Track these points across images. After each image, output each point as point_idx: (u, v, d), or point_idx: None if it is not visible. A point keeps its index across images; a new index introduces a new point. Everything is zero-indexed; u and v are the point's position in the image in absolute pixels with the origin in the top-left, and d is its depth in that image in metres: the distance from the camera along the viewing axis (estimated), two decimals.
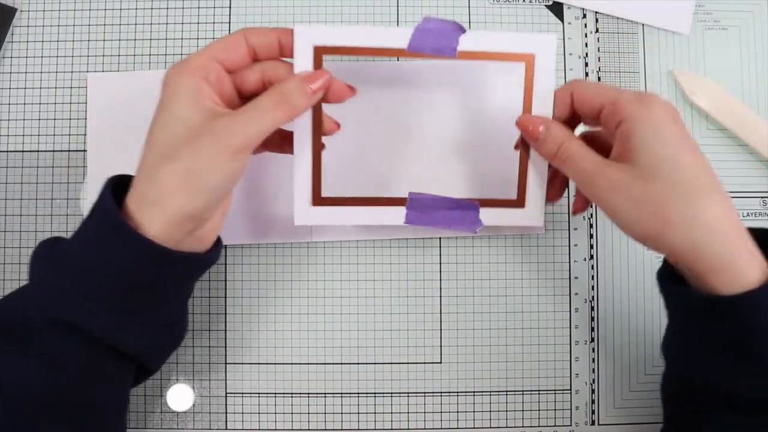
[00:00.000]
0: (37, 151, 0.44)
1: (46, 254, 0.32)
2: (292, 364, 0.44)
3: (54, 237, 0.34)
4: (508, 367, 0.44)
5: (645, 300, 0.45)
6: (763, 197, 0.46)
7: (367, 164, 0.42)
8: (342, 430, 0.44)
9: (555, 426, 0.44)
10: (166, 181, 0.31)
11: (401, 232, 0.44)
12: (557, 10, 0.46)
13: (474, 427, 0.44)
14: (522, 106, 0.38)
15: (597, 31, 0.46)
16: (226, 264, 0.44)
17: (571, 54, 0.46)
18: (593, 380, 0.44)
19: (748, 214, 0.45)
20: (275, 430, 0.43)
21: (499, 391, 0.44)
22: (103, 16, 0.45)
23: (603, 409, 0.44)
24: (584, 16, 0.46)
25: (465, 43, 0.37)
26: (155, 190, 0.31)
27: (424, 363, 0.44)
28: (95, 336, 0.31)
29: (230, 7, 0.45)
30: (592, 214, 0.45)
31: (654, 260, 0.45)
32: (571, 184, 0.44)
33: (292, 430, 0.43)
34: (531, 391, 0.44)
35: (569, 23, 0.46)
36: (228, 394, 0.44)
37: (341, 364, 0.44)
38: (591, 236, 0.45)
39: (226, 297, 0.44)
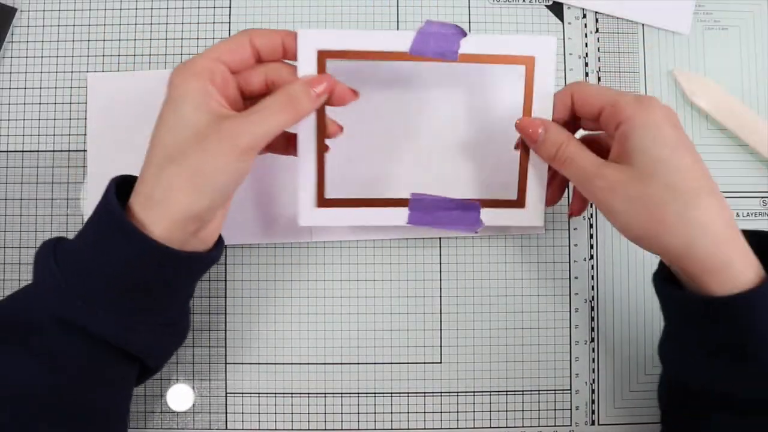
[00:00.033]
0: (37, 151, 0.44)
1: (48, 254, 0.32)
2: (292, 364, 0.44)
3: (57, 237, 0.34)
4: (508, 367, 0.44)
5: (645, 300, 0.45)
6: (763, 197, 0.46)
7: (370, 165, 0.42)
8: (342, 430, 0.44)
9: (555, 426, 0.44)
10: (171, 181, 0.31)
11: (401, 232, 0.44)
12: (557, 10, 0.46)
13: (474, 427, 0.44)
14: (522, 107, 0.38)
15: (597, 31, 0.46)
16: (226, 264, 0.44)
17: (571, 54, 0.46)
18: (593, 380, 0.44)
19: (748, 214, 0.45)
20: (275, 430, 0.43)
21: (499, 391, 0.44)
22: (103, 16, 0.45)
23: (603, 409, 0.44)
24: (584, 16, 0.46)
25: (466, 46, 0.37)
26: (161, 190, 0.32)
27: (424, 363, 0.44)
28: (98, 336, 0.32)
29: (230, 7, 0.45)
30: (592, 215, 0.45)
31: (654, 261, 0.44)
32: (569, 187, 0.44)
33: (292, 430, 0.43)
34: (531, 391, 0.44)
35: (569, 23, 0.46)
36: (228, 394, 0.44)
37: (341, 364, 0.44)
38: (591, 236, 0.45)
39: (226, 297, 0.44)
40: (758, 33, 0.47)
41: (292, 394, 0.44)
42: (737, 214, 0.45)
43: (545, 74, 0.38)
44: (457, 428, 0.44)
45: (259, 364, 0.44)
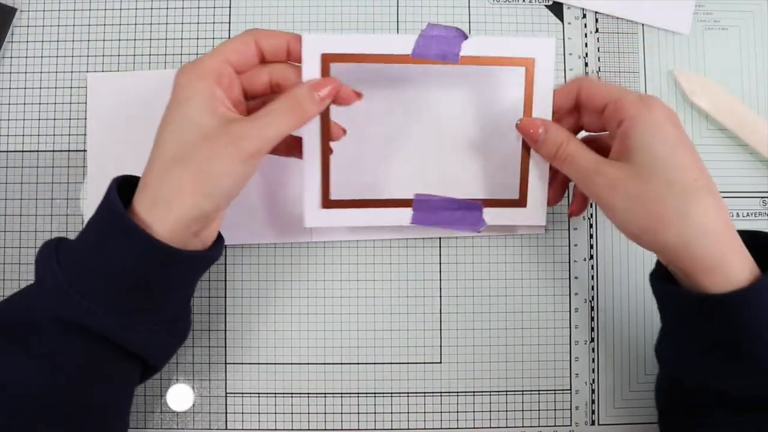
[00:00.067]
0: (37, 151, 0.44)
1: (51, 254, 0.32)
2: (292, 364, 0.44)
3: (58, 237, 0.34)
4: (508, 367, 0.44)
5: (645, 300, 0.45)
6: (763, 197, 0.46)
7: (373, 167, 0.42)
8: (342, 430, 0.44)
9: (555, 426, 0.44)
10: (177, 183, 0.32)
11: (402, 232, 0.44)
12: (557, 10, 0.46)
13: (474, 427, 0.44)
14: (522, 108, 0.39)
15: (597, 31, 0.46)
16: (226, 264, 0.44)
17: (571, 54, 0.46)
18: (593, 380, 0.44)
19: (748, 214, 0.45)
20: (275, 430, 0.43)
21: (499, 391, 0.44)
22: (103, 16, 0.45)
23: (603, 409, 0.44)
24: (584, 16, 0.46)
25: (467, 48, 0.38)
26: (166, 191, 0.32)
27: (424, 363, 0.44)
28: (101, 335, 0.32)
29: (230, 7, 0.45)
30: (591, 215, 0.45)
31: (653, 261, 0.45)
32: (569, 187, 0.44)
33: (292, 430, 0.43)
34: (531, 391, 0.44)
35: (569, 23, 0.46)
36: (228, 394, 0.44)
37: (341, 364, 0.44)
38: (591, 236, 0.45)
39: (226, 297, 0.44)
40: (758, 33, 0.47)
41: (292, 394, 0.44)
42: (737, 214, 0.45)
43: (545, 75, 0.39)
44: (457, 428, 0.44)
45: (259, 364, 0.44)
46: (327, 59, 0.37)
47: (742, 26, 0.47)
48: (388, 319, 0.44)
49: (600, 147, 0.37)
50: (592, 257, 0.45)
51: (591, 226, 0.45)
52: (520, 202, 0.40)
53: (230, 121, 0.33)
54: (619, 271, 0.45)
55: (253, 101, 0.37)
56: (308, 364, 0.44)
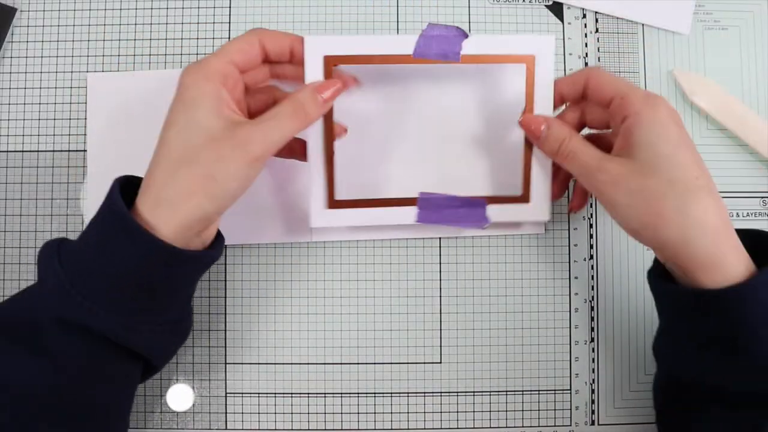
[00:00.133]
0: (37, 151, 0.44)
1: (53, 254, 0.32)
2: (292, 364, 0.44)
3: (60, 238, 0.34)
4: (508, 367, 0.44)
5: (645, 300, 0.45)
6: (763, 197, 0.46)
7: (377, 167, 0.43)
8: (342, 430, 0.44)
9: (555, 426, 0.44)
10: (183, 185, 0.32)
11: (405, 231, 0.44)
12: (557, 10, 0.46)
13: (474, 427, 0.44)
14: (524, 105, 0.39)
15: (597, 31, 0.46)
16: (226, 264, 0.44)
17: (571, 54, 0.46)
18: (593, 380, 0.44)
19: (748, 214, 0.45)
20: (275, 430, 0.43)
21: (499, 391, 0.44)
22: (103, 16, 0.45)
23: (603, 409, 0.44)
24: (584, 16, 0.46)
25: (468, 47, 0.38)
26: (171, 192, 0.32)
27: (424, 363, 0.44)
28: (104, 336, 0.32)
29: (230, 7, 0.45)
30: (592, 215, 0.45)
31: (653, 260, 0.45)
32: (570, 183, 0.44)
33: (292, 430, 0.43)
34: (531, 391, 0.44)
35: (569, 23, 0.46)
36: (228, 394, 0.44)
37: (341, 364, 0.44)
38: (591, 236, 0.45)
39: (226, 297, 0.44)
40: (758, 33, 0.47)
41: (292, 394, 0.44)
42: (737, 214, 0.45)
43: (545, 72, 0.39)
44: (457, 428, 0.44)
45: (259, 364, 0.44)
46: (329, 61, 0.37)
47: (742, 26, 0.47)
48: (388, 319, 0.44)
49: (602, 144, 0.37)
50: (592, 257, 0.45)
51: (591, 226, 0.45)
52: (524, 198, 0.41)
53: (236, 123, 0.33)
54: (619, 271, 0.45)
55: (253, 98, 0.38)
56: (308, 364, 0.44)
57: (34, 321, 0.31)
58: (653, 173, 0.33)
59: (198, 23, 0.45)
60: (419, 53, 0.38)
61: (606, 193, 0.35)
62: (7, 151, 0.44)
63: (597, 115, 0.38)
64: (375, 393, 0.44)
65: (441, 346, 0.44)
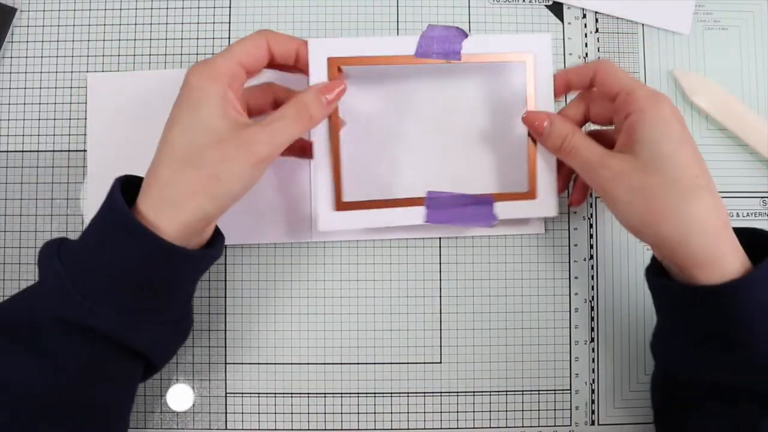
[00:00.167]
0: (37, 151, 0.44)
1: (53, 254, 0.32)
2: (292, 364, 0.44)
3: (60, 237, 0.34)
4: (508, 367, 0.44)
5: (645, 300, 0.45)
6: (763, 197, 0.46)
7: (383, 167, 0.43)
8: (342, 430, 0.44)
9: (555, 426, 0.44)
10: (187, 185, 0.32)
11: (404, 232, 0.44)
12: (557, 10, 0.46)
13: (474, 427, 0.44)
14: (525, 101, 0.40)
15: (597, 31, 0.46)
16: (226, 264, 0.44)
17: (571, 54, 0.46)
18: (593, 380, 0.44)
19: (748, 214, 0.45)
20: (275, 430, 0.43)
21: (499, 391, 0.44)
22: (103, 16, 0.45)
23: (603, 409, 0.44)
24: (584, 16, 0.46)
25: (468, 46, 0.39)
26: (175, 192, 0.32)
27: (424, 363, 0.44)
28: (105, 336, 0.32)
29: (230, 7, 0.45)
30: (592, 215, 0.45)
31: None
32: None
33: (292, 430, 0.43)
34: (531, 391, 0.44)
35: (569, 23, 0.46)
36: (228, 394, 0.44)
37: (341, 364, 0.44)
38: (591, 236, 0.45)
39: (226, 297, 0.44)
40: (758, 33, 0.47)
41: (292, 394, 0.44)
42: (737, 214, 0.45)
43: (544, 69, 0.40)
44: (457, 428, 0.44)
45: (259, 364, 0.44)
46: (333, 63, 0.38)
47: (742, 26, 0.47)
48: (388, 319, 0.44)
49: (604, 140, 0.38)
50: (592, 257, 0.45)
51: (591, 226, 0.45)
52: (530, 194, 0.41)
53: (241, 125, 0.33)
54: (619, 271, 0.45)
55: (251, 96, 0.38)
56: (308, 364, 0.44)
57: (35, 321, 0.31)
58: (654, 171, 0.33)
59: (198, 23, 0.45)
60: (421, 53, 0.39)
61: (607, 190, 0.35)
62: (7, 151, 0.44)
63: (601, 111, 0.39)
64: (375, 393, 0.44)
65: (441, 346, 0.44)
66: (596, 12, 0.46)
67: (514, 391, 0.44)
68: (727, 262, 0.32)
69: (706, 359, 0.34)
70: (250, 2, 0.45)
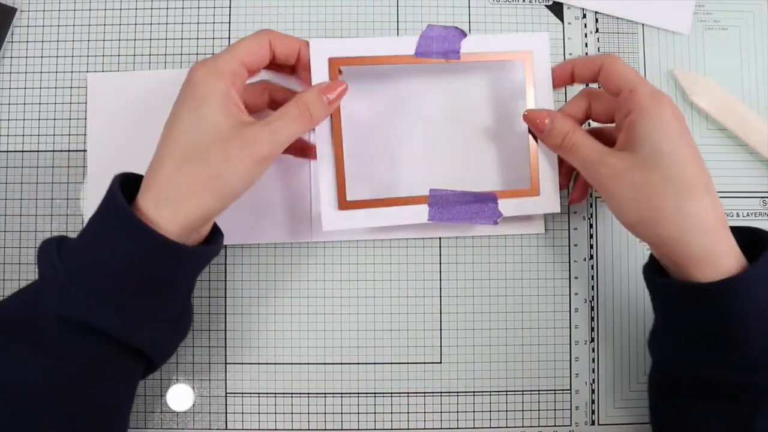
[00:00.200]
0: (37, 151, 0.44)
1: (52, 252, 0.32)
2: (292, 364, 0.44)
3: (59, 235, 0.34)
4: (508, 367, 0.44)
5: (645, 300, 0.45)
6: (763, 197, 0.46)
7: (385, 165, 0.43)
8: (342, 430, 0.44)
9: (555, 426, 0.44)
10: (188, 181, 0.32)
11: (405, 231, 0.44)
12: (557, 10, 0.46)
13: (474, 427, 0.44)
14: (525, 99, 0.41)
15: (597, 31, 0.46)
16: (226, 264, 0.44)
17: (570, 54, 0.46)
18: (593, 380, 0.44)
19: (748, 214, 0.45)
20: (275, 430, 0.43)
21: (499, 391, 0.44)
22: (103, 16, 0.45)
23: (603, 409, 0.44)
24: (584, 16, 0.46)
25: (467, 45, 0.40)
26: (175, 189, 0.32)
27: (424, 363, 0.44)
28: (105, 334, 0.32)
29: (230, 7, 0.45)
30: (592, 215, 0.45)
31: None
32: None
33: (292, 430, 0.43)
34: (531, 391, 0.44)
35: (569, 23, 0.46)
36: (228, 394, 0.44)
37: (341, 364, 0.44)
38: (591, 236, 0.45)
39: (226, 297, 0.44)
40: (758, 33, 0.47)
41: (292, 394, 0.44)
42: (737, 214, 0.45)
43: (542, 67, 0.41)
44: (457, 428, 0.44)
45: (259, 364, 0.44)
46: (334, 63, 0.38)
47: (742, 26, 0.47)
48: (388, 319, 0.44)
49: (605, 138, 0.38)
50: (592, 257, 0.45)
51: (591, 226, 0.45)
52: (533, 191, 0.41)
53: (243, 123, 0.33)
54: (619, 271, 0.45)
55: (247, 94, 0.38)
56: (308, 364, 0.44)
57: (35, 319, 0.31)
58: (653, 169, 0.34)
59: (198, 23, 0.45)
60: (420, 53, 0.39)
61: (606, 187, 0.35)
62: (7, 151, 0.44)
63: (603, 109, 0.39)
64: (375, 393, 0.44)
65: (441, 346, 0.44)
66: (596, 12, 0.46)
67: (514, 391, 0.44)
68: (724, 260, 0.33)
69: (702, 356, 0.34)
70: (250, 2, 0.45)
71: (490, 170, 0.43)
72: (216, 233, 0.37)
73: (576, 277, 0.45)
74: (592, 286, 0.45)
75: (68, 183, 0.44)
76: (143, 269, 0.32)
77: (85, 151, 0.44)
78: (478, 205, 0.41)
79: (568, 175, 0.43)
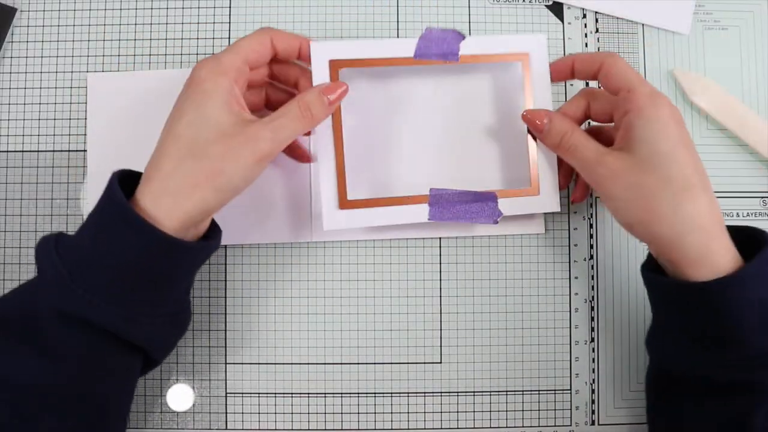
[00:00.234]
0: (37, 151, 0.44)
1: (50, 247, 0.32)
2: (292, 364, 0.44)
3: (57, 232, 0.34)
4: (508, 367, 0.44)
5: (645, 300, 0.44)
6: (763, 197, 0.46)
7: (386, 165, 0.43)
8: (342, 430, 0.44)
9: (555, 426, 0.44)
10: (190, 177, 0.32)
11: (405, 231, 0.44)
12: (557, 10, 0.46)
13: (474, 427, 0.44)
14: (524, 100, 0.41)
15: (597, 31, 0.46)
16: (226, 264, 0.44)
17: (571, 54, 0.46)
18: (593, 380, 0.44)
19: (748, 214, 0.45)
20: (275, 430, 0.43)
21: (499, 391, 0.44)
22: (103, 16, 0.45)
23: (603, 409, 0.44)
24: (584, 16, 0.46)
25: (466, 47, 0.40)
26: (176, 184, 0.32)
27: (424, 363, 0.44)
28: (104, 329, 0.32)
29: (230, 7, 0.45)
30: (592, 215, 0.45)
31: None
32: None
33: (292, 430, 0.43)
34: (531, 391, 0.44)
35: (569, 23, 0.46)
36: (228, 394, 0.44)
37: (341, 364, 0.44)
38: (591, 236, 0.45)
39: (226, 297, 0.44)
40: (758, 33, 0.47)
41: (292, 394, 0.44)
42: (737, 214, 0.45)
43: (540, 68, 0.41)
44: (457, 428, 0.44)
45: (259, 364, 0.44)
46: (335, 65, 0.38)
47: (742, 26, 0.47)
48: (388, 319, 0.44)
49: (603, 137, 0.38)
50: (592, 257, 0.45)
51: (591, 226, 0.45)
52: (532, 190, 0.41)
53: (245, 120, 0.34)
54: (619, 271, 0.45)
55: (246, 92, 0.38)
56: (308, 364, 0.44)
57: (34, 314, 0.31)
58: (651, 170, 0.34)
59: (198, 23, 0.45)
60: (420, 55, 0.40)
61: (604, 187, 0.36)
62: (7, 151, 0.44)
63: (602, 109, 0.39)
64: (375, 393, 0.44)
65: (441, 346, 0.44)
66: (596, 12, 0.46)
67: (514, 391, 0.44)
68: (719, 259, 0.33)
69: (699, 354, 0.34)
70: (250, 2, 0.45)
71: (490, 170, 0.43)
72: (214, 230, 0.37)
73: (576, 277, 0.45)
74: (592, 286, 0.45)
75: (68, 183, 0.44)
76: (142, 264, 0.32)
77: (85, 151, 0.44)
78: (479, 204, 0.41)
79: (568, 175, 0.43)
